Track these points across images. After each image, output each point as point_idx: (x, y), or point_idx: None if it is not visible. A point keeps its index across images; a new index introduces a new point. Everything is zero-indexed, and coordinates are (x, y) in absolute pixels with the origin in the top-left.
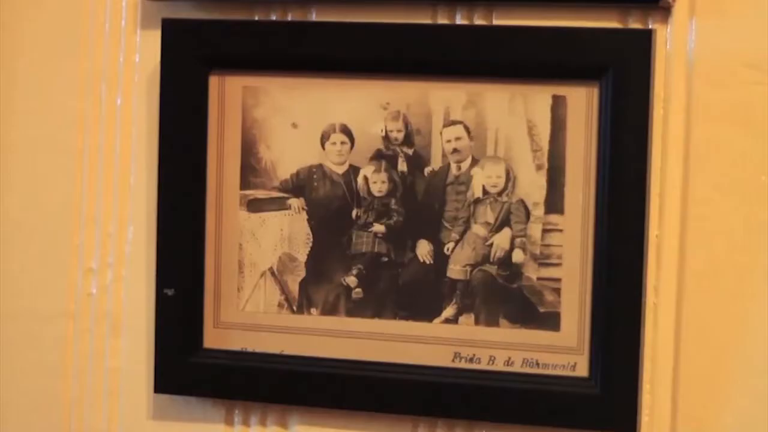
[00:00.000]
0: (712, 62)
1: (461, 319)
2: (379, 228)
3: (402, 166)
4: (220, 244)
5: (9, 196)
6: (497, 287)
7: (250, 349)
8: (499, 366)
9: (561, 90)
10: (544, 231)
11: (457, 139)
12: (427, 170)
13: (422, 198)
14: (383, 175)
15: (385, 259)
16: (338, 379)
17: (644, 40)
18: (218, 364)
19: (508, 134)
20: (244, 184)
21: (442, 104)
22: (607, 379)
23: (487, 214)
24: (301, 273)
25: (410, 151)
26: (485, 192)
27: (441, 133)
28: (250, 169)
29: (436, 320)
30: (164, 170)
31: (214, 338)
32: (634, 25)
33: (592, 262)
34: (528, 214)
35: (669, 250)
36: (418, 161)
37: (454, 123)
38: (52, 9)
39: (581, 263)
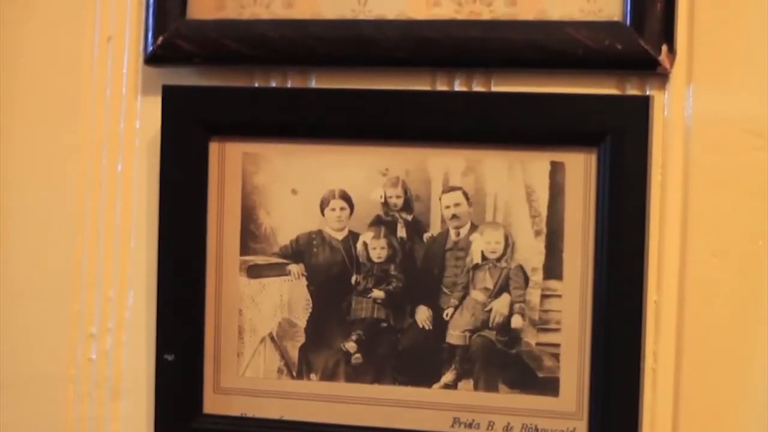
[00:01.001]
0: (709, 128)
1: (460, 384)
2: (378, 294)
3: (401, 232)
4: (219, 310)
5: (10, 261)
6: (496, 352)
7: (250, 415)
8: (498, 431)
9: (559, 156)
10: (543, 296)
11: (456, 205)
12: (426, 236)
13: (421, 264)
14: (382, 241)
15: (385, 324)
16: None
17: (642, 107)
18: (218, 429)
19: (507, 200)
20: (244, 249)
21: (441, 170)
22: None
23: (486, 279)
24: (301, 338)
25: (409, 217)
26: (484, 258)
27: (440, 199)
28: (250, 235)
29: (436, 385)
30: (164, 235)
31: (214, 403)
32: (632, 91)
33: (590, 327)
34: (527, 279)
35: (667, 315)
36: (417, 227)
37: (453, 189)
38: (52, 73)
39: (580, 328)
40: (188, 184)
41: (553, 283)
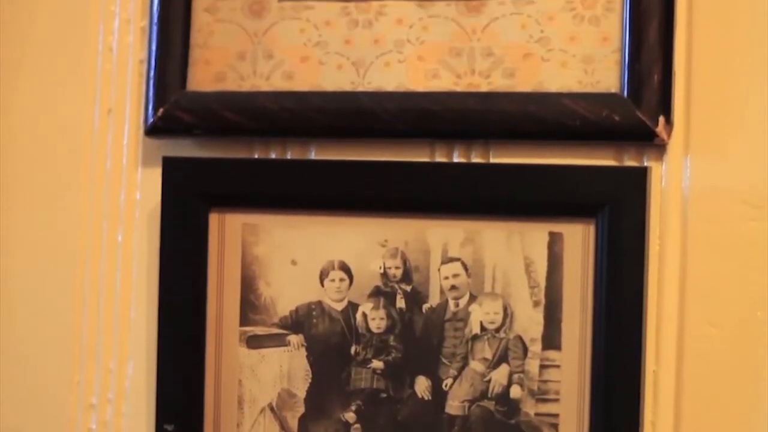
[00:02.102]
0: (706, 199)
1: None
2: (377, 364)
3: (400, 302)
4: (219, 380)
5: (11, 330)
6: (495, 423)
7: None
8: None
9: (558, 227)
10: (542, 367)
11: (455, 275)
12: (425, 307)
13: (420, 334)
14: (382, 312)
15: (384, 395)
16: None
17: (639, 178)
18: None
19: (506, 271)
20: (244, 320)
21: (439, 241)
22: None
23: (485, 350)
24: (301, 409)
25: (408, 288)
26: (483, 328)
27: (439, 270)
28: (250, 306)
29: None
30: (164, 306)
31: None
32: (630, 162)
33: (589, 397)
34: (525, 350)
35: (666, 385)
36: (416, 298)
37: (451, 260)
38: (54, 145)
39: (579, 399)
40: (188, 254)
41: (551, 354)
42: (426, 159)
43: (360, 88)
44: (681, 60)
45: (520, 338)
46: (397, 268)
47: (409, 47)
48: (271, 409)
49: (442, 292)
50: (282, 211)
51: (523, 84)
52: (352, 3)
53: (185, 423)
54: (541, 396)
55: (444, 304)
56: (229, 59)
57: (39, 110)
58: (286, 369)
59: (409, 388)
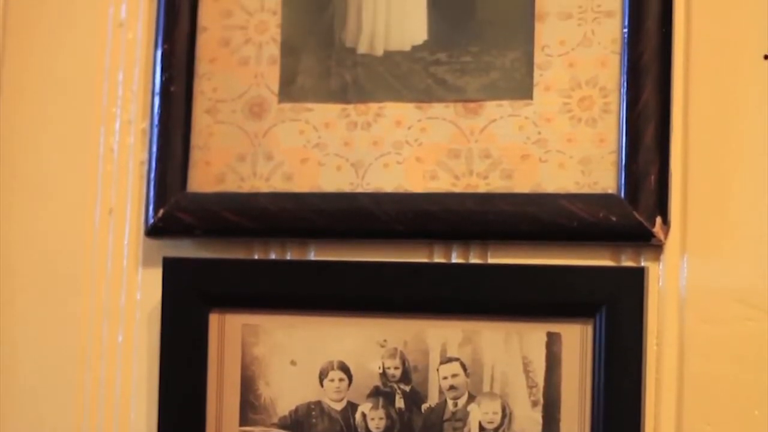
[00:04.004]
0: (704, 298)
1: None
2: None
3: (399, 402)
4: None
5: (12, 431)
6: None
7: None
8: None
9: (556, 327)
10: None
11: (454, 376)
12: (424, 407)
13: None
14: (381, 412)
15: None
16: None
17: (637, 278)
18: None
19: (504, 371)
20: (244, 419)
21: (438, 341)
22: None
23: None
24: None
25: (407, 388)
26: (482, 428)
27: (438, 370)
28: (250, 406)
29: None
30: (164, 406)
31: None
32: (627, 262)
33: None
34: None
35: None
36: (415, 398)
37: (450, 360)
38: (55, 246)
39: None
40: (188, 355)
41: None
42: (424, 259)
43: (359, 189)
44: (677, 160)
45: None
46: (396, 368)
47: (408, 148)
48: None
49: (441, 392)
50: (281, 311)
51: (521, 185)
52: (351, 105)
53: None
54: None
55: (443, 404)
56: (229, 160)
57: (40, 209)
58: None
59: None
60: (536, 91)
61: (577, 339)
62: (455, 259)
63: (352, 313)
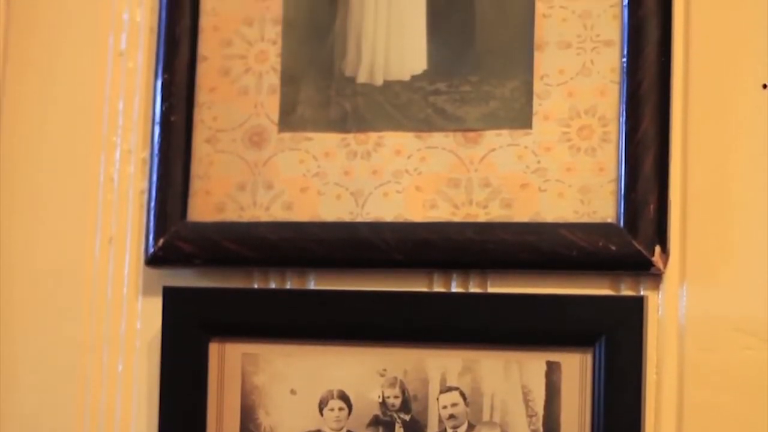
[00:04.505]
0: (703, 327)
1: None
2: None
3: (399, 431)
4: None
5: None
6: None
7: None
8: None
9: (555, 356)
10: None
11: (453, 405)
12: None
13: None
14: None
15: None
16: None
17: (636, 307)
18: None
19: (504, 399)
20: None
21: (438, 370)
22: None
23: None
24: None
25: (407, 417)
26: None
27: (437, 399)
28: None
29: None
30: None
31: None
32: (626, 291)
33: None
34: None
35: None
36: (415, 427)
37: (450, 389)
38: (55, 275)
39: None
40: (188, 384)
41: None
42: (424, 289)
43: (359, 219)
44: (676, 190)
45: None
46: (396, 397)
47: (408, 178)
48: None
49: (440, 420)
50: (281, 340)
51: (521, 214)
52: (350, 134)
53: None
54: None
55: None
56: (229, 189)
57: (41, 238)
58: None
59: None
60: (535, 121)
61: (576, 368)
62: (455, 288)
63: (351, 343)
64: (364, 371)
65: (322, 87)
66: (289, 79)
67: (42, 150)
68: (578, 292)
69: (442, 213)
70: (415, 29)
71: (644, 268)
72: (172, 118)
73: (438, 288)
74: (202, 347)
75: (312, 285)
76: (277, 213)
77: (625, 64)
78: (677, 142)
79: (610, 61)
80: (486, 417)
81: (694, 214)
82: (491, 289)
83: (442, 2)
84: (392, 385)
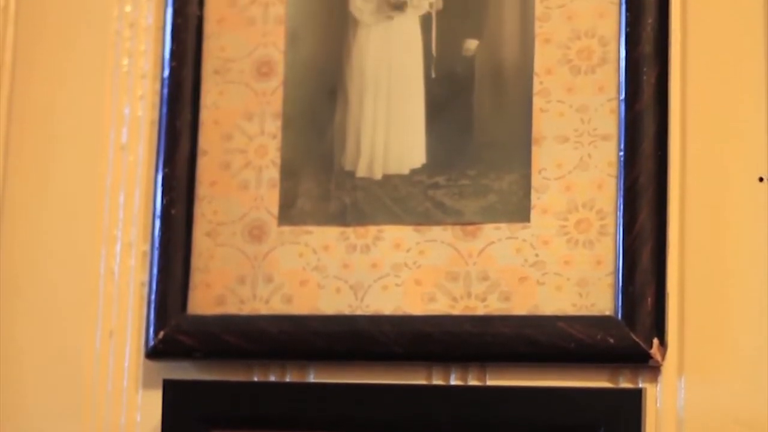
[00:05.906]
0: (702, 420)
1: None
2: None
3: None
4: None
5: None
6: None
7: None
8: None
9: None
10: None
11: None
12: None
13: None
14: None
15: None
16: None
17: (635, 399)
18: None
19: None
20: None
21: None
22: None
23: None
24: None
25: None
26: None
27: None
28: None
29: None
30: None
31: None
32: (625, 384)
33: None
34: None
35: None
36: None
37: None
38: (55, 369)
39: None
40: None
41: None
42: (423, 381)
43: (358, 312)
44: (674, 282)
45: None
46: None
47: (407, 271)
48: None
49: None
50: None
51: (519, 307)
52: (350, 228)
53: None
54: None
55: None
56: (229, 283)
57: (41, 331)
58: None
59: None
60: (533, 214)
61: None
62: (454, 381)
63: None
64: None
65: (321, 181)
66: (289, 173)
67: (43, 243)
68: (577, 385)
69: (440, 306)
70: (414, 124)
71: (642, 361)
72: (173, 212)
73: (437, 381)
74: None
75: (312, 378)
76: (276, 306)
77: (622, 158)
78: (674, 235)
79: (608, 154)
80: None
81: (692, 307)
82: (490, 382)
83: (440, 97)
84: None
